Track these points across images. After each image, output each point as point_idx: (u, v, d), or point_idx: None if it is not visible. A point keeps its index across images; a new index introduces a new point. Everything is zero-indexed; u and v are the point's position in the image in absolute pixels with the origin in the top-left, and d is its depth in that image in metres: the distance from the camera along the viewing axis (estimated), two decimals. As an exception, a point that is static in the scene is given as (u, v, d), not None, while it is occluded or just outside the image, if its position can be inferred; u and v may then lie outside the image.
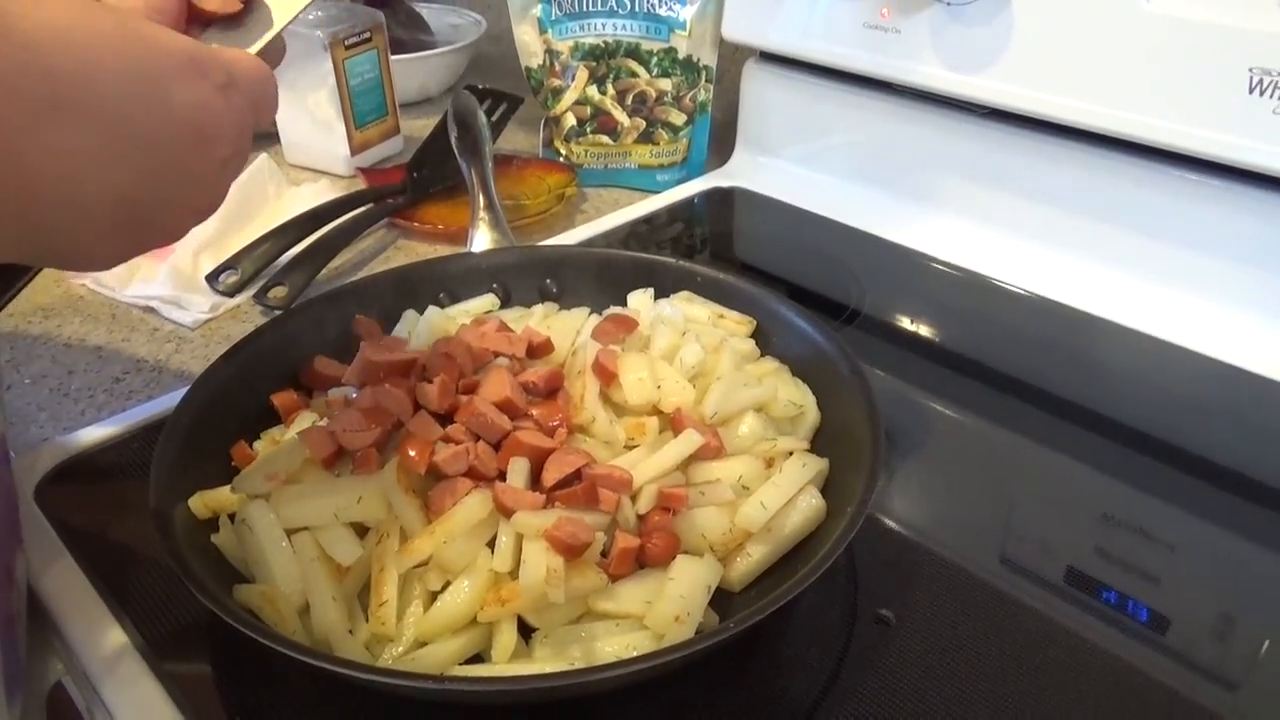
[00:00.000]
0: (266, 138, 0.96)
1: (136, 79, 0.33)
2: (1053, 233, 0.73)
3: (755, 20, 0.83)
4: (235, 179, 0.41)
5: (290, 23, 0.43)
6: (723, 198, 0.89)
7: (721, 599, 0.44)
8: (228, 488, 0.46)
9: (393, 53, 1.00)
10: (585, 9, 0.86)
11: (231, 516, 0.45)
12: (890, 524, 0.51)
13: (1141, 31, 0.62)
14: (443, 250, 0.80)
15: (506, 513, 0.42)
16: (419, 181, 0.86)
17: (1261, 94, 0.58)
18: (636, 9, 0.85)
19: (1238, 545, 0.51)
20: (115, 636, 0.44)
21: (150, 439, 0.46)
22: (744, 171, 0.91)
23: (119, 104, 0.32)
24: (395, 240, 0.83)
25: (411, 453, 0.43)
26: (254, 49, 0.42)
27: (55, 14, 0.31)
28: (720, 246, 0.85)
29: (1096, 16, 0.64)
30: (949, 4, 0.70)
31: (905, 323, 0.71)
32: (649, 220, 0.85)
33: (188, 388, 0.50)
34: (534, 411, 0.48)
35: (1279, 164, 0.59)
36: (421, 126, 0.92)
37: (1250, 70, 0.58)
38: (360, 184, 0.89)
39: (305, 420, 0.50)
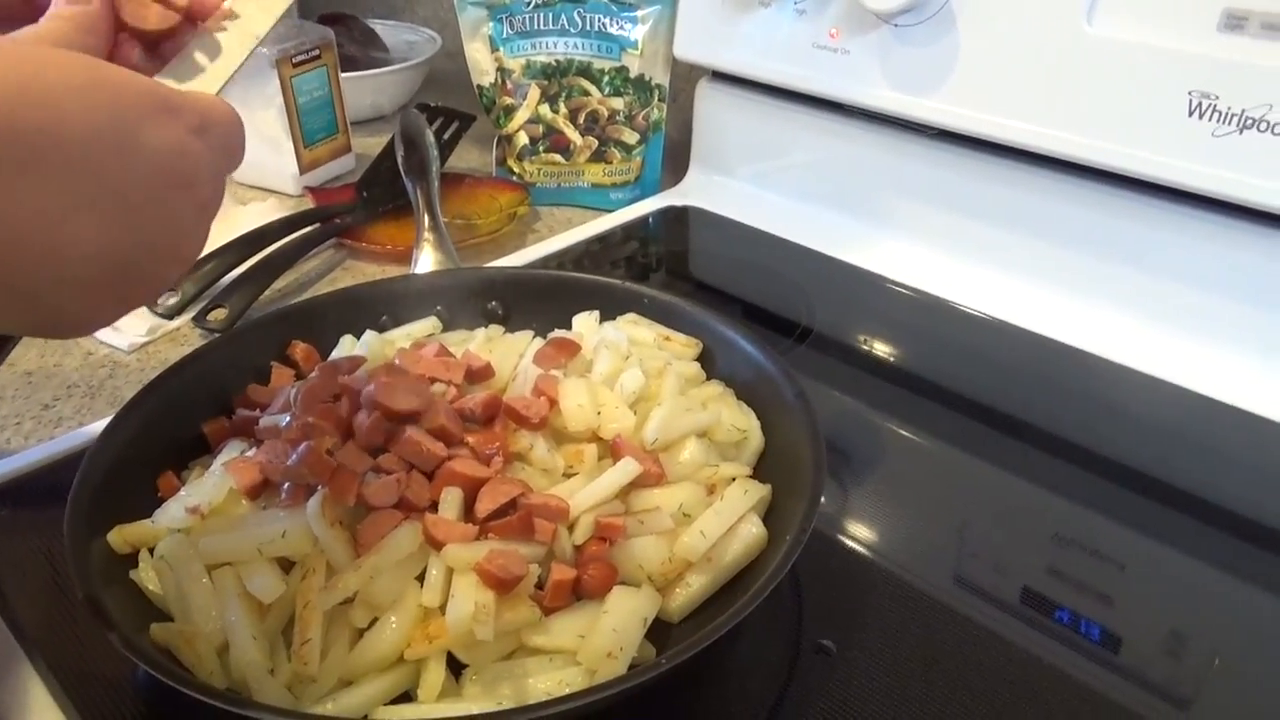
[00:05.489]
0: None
1: (105, 128, 0.32)
2: (1003, 253, 0.73)
3: (706, 40, 0.83)
4: (211, 223, 0.40)
5: (249, 56, 0.42)
6: (677, 217, 0.88)
7: (661, 630, 0.43)
8: (149, 520, 0.44)
9: (347, 70, 0.99)
10: (537, 28, 0.86)
11: (152, 550, 0.44)
12: (840, 547, 0.51)
13: (1084, 54, 0.62)
14: (391, 271, 0.78)
15: (437, 545, 0.41)
16: (368, 201, 0.84)
17: (1201, 117, 0.58)
18: (588, 28, 0.85)
19: (1188, 564, 0.51)
20: (35, 693, 0.42)
21: (78, 468, 0.44)
22: (698, 190, 0.91)
23: (89, 155, 0.31)
24: (343, 261, 0.82)
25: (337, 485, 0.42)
26: (216, 89, 0.41)
27: (15, 67, 0.30)
28: (674, 265, 0.84)
29: (1041, 38, 0.64)
30: (896, 25, 0.70)
31: (857, 342, 0.70)
32: (602, 239, 0.84)
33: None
34: (470, 439, 0.47)
35: (1217, 186, 0.59)
36: (375, 144, 0.91)
37: (1190, 93, 0.59)
38: (309, 203, 0.88)
39: (234, 449, 0.49)
